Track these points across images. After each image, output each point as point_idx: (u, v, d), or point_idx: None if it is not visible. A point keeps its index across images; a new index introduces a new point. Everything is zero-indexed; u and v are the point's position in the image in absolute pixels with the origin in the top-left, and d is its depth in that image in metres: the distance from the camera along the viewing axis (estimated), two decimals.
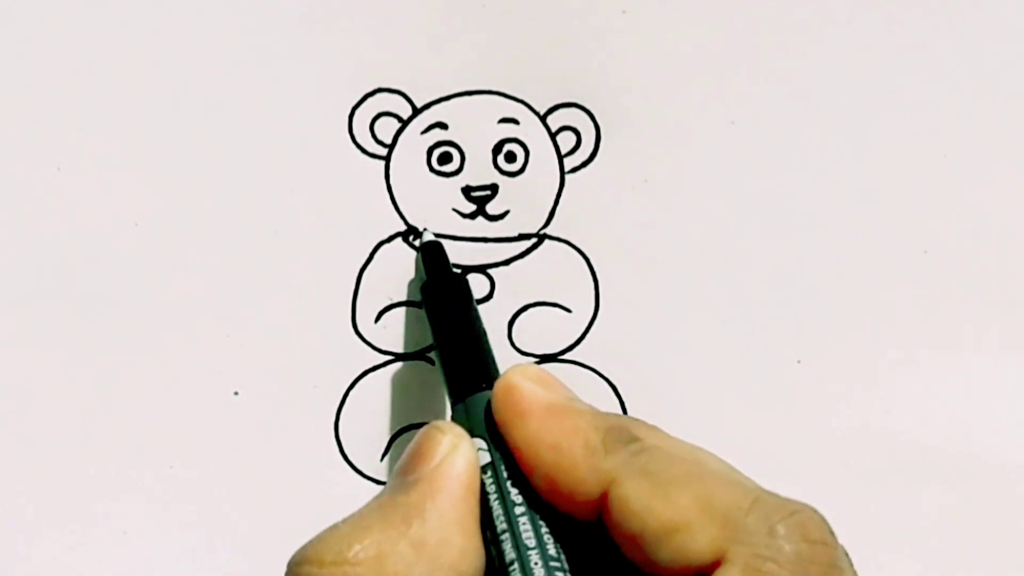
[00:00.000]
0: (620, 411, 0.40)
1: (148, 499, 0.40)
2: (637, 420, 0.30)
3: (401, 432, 0.40)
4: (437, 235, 0.40)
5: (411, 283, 0.40)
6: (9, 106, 0.39)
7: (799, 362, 0.40)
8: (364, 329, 0.40)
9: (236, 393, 0.40)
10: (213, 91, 0.39)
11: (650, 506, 0.27)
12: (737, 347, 0.40)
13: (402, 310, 0.40)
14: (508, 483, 0.30)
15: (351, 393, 0.40)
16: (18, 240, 0.39)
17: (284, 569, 0.40)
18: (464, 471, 0.29)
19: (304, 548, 0.28)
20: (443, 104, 0.39)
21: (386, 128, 0.40)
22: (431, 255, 0.39)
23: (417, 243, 0.40)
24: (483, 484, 0.30)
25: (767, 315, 0.40)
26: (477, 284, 0.40)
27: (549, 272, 0.40)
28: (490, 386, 0.32)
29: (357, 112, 0.39)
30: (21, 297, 0.39)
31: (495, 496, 0.30)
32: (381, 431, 0.40)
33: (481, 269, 0.40)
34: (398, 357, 0.40)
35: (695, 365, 0.40)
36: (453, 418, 0.33)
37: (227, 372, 0.40)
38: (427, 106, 0.39)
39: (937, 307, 0.40)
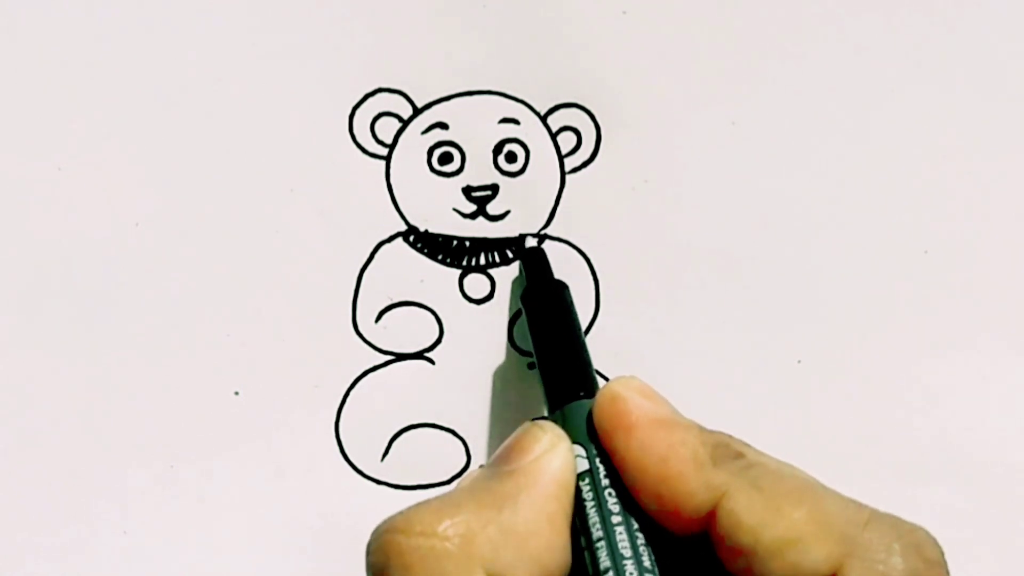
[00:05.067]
0: None
1: (148, 499, 0.40)
2: (734, 437, 0.30)
3: (401, 432, 0.40)
4: (437, 235, 0.40)
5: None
6: (9, 106, 0.39)
7: (799, 362, 0.40)
8: (364, 329, 0.40)
9: (236, 393, 0.40)
10: (213, 91, 0.39)
11: (763, 520, 0.27)
12: (737, 347, 0.40)
13: (402, 310, 0.40)
14: (606, 492, 0.30)
15: (351, 393, 0.40)
16: (18, 240, 0.39)
17: (288, 567, 0.40)
18: (560, 470, 0.30)
19: (392, 518, 0.28)
20: (444, 104, 0.39)
21: (387, 128, 0.40)
22: (532, 261, 0.39)
23: (518, 250, 0.40)
24: (579, 490, 0.30)
25: (767, 315, 0.40)
26: (477, 284, 0.40)
27: None
28: (589, 395, 0.32)
29: (358, 112, 0.39)
30: (21, 297, 0.39)
31: (592, 503, 0.30)
32: (381, 431, 0.40)
33: (481, 269, 0.40)
34: (398, 357, 0.40)
35: (695, 365, 0.40)
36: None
37: (227, 372, 0.40)
38: (428, 106, 0.39)
39: (938, 307, 0.40)
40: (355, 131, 0.39)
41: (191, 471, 0.40)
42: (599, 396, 0.31)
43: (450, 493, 0.29)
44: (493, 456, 0.31)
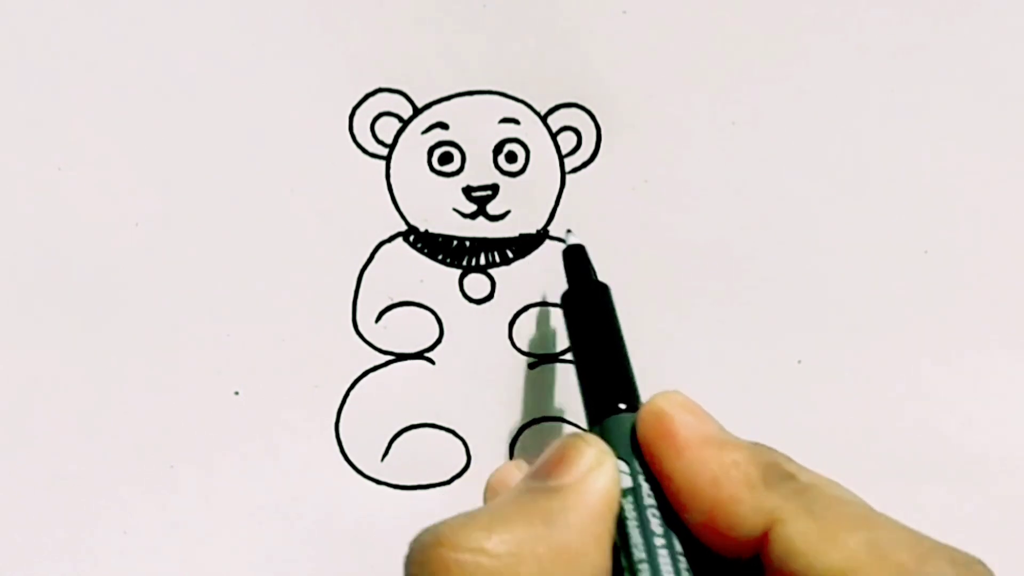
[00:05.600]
0: None
1: (148, 499, 0.40)
2: (781, 454, 0.29)
3: (401, 432, 0.40)
4: (437, 235, 0.40)
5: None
6: (9, 106, 0.39)
7: (799, 362, 0.40)
8: (364, 329, 0.40)
9: (236, 393, 0.40)
10: (214, 91, 0.39)
11: (818, 548, 0.26)
12: (737, 347, 0.40)
13: (402, 310, 0.40)
14: (649, 511, 0.29)
15: (351, 393, 0.40)
16: (18, 240, 0.39)
17: (288, 567, 0.40)
18: (607, 488, 0.29)
19: (439, 529, 0.27)
20: (444, 104, 0.39)
21: (387, 128, 0.40)
22: (574, 260, 0.37)
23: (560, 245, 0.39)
24: (622, 508, 0.29)
25: (767, 315, 0.40)
26: (477, 284, 0.40)
27: (550, 272, 0.40)
28: (631, 408, 0.31)
29: (358, 112, 0.39)
30: (21, 297, 0.39)
31: (635, 523, 0.29)
32: (381, 431, 0.40)
33: (482, 269, 0.40)
34: (398, 357, 0.40)
35: (695, 365, 0.40)
36: None
37: (227, 372, 0.40)
38: (428, 106, 0.39)
39: (938, 307, 0.40)
40: (355, 131, 0.39)
41: (191, 471, 0.40)
42: (642, 412, 0.30)
43: (498, 505, 0.28)
44: (535, 467, 0.29)
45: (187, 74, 0.39)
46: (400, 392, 0.40)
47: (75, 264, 0.39)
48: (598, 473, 0.29)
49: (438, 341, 0.40)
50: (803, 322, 0.40)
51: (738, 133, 0.40)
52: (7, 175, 0.39)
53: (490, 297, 0.40)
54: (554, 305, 0.40)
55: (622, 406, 0.32)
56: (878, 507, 0.28)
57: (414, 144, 0.40)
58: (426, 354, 0.40)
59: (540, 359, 0.40)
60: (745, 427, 0.41)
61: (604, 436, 0.31)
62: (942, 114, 0.40)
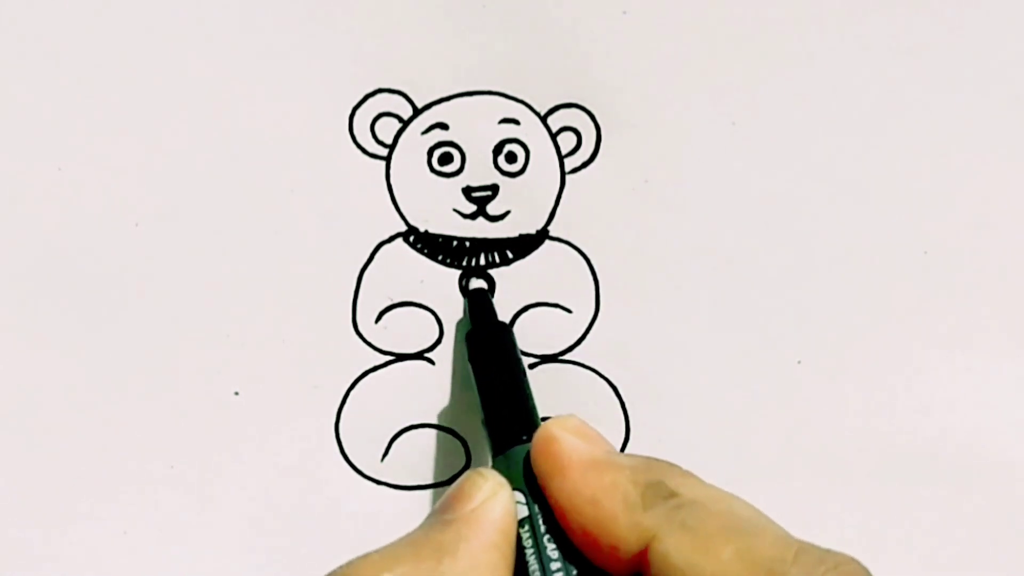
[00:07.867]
0: (621, 411, 0.40)
1: (148, 499, 0.40)
2: (672, 467, 0.30)
3: (401, 432, 0.40)
4: (437, 235, 0.40)
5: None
6: (9, 106, 0.39)
7: (799, 362, 0.40)
8: (364, 329, 0.40)
9: (236, 393, 0.40)
10: (214, 91, 0.39)
11: (692, 561, 0.27)
12: (737, 347, 0.40)
13: (402, 310, 0.40)
14: (545, 538, 0.30)
15: (351, 393, 0.40)
16: (18, 240, 0.39)
17: (288, 567, 0.40)
18: (501, 518, 0.30)
19: (333, 571, 0.28)
20: (444, 104, 0.39)
21: (387, 128, 0.40)
22: (477, 303, 0.39)
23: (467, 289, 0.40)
24: (519, 537, 0.30)
25: (767, 315, 0.40)
26: (477, 284, 0.40)
27: (550, 272, 0.40)
28: (531, 438, 0.32)
29: (358, 112, 0.39)
30: (21, 297, 0.39)
31: (531, 551, 0.30)
32: (381, 431, 0.40)
33: (481, 269, 0.40)
34: (398, 357, 0.40)
35: (695, 365, 0.40)
36: (494, 468, 0.33)
37: (227, 372, 0.40)
38: (428, 106, 0.39)
39: (937, 307, 0.40)
40: (355, 131, 0.39)
41: (191, 471, 0.40)
42: (535, 438, 0.31)
43: (392, 544, 0.29)
44: (436, 504, 0.31)
45: (187, 74, 0.39)
46: (400, 392, 0.40)
47: (75, 264, 0.39)
48: (492, 503, 0.30)
49: (438, 341, 0.40)
50: (803, 322, 0.40)
51: (738, 133, 0.40)
52: (7, 175, 0.39)
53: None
54: (554, 305, 0.40)
55: (524, 438, 0.33)
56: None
57: (414, 144, 0.40)
58: (426, 354, 0.40)
59: (540, 359, 0.40)
60: (745, 427, 0.41)
61: (505, 467, 0.32)
62: (942, 114, 0.40)
